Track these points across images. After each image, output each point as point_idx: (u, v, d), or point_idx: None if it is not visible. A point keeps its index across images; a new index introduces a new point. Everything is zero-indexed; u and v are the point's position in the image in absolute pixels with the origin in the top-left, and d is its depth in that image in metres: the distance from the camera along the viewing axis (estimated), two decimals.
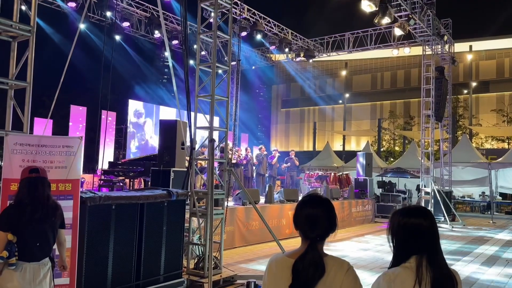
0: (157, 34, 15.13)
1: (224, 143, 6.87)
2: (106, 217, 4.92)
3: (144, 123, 18.43)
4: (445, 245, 10.65)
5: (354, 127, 41.38)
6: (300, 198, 10.93)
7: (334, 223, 1.85)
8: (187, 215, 6.26)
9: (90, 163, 14.25)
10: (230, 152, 9.80)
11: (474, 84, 37.19)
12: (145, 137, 18.45)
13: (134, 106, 18.36)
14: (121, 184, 9.69)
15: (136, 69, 31.61)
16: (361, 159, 15.52)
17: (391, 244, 1.88)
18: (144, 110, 18.49)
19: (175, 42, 16.06)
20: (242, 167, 12.27)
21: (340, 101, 42.58)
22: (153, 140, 18.32)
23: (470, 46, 37.13)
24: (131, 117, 17.84)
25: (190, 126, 6.33)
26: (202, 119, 6.88)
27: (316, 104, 44.04)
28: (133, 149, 17.68)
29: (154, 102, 23.96)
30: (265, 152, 13.94)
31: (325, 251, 1.84)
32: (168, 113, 19.07)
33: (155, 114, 18.87)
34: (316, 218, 1.82)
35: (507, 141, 32.63)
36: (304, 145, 45.65)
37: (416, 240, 1.82)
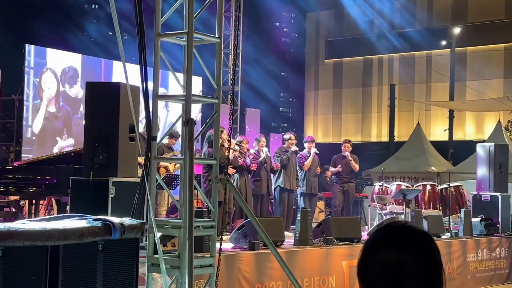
0: None
1: (214, 128, 4.96)
2: None
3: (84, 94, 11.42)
4: None
5: (472, 95, 22.52)
6: (366, 232, 8.37)
7: (438, 280, 1.27)
8: (142, 269, 4.57)
9: None
10: (226, 145, 7.44)
11: None
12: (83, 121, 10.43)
13: (56, 58, 11.06)
14: (13, 208, 7.79)
15: None
16: (485, 158, 10.50)
17: None
18: (80, 69, 11.36)
19: None
20: (250, 174, 9.03)
21: (444, 42, 26.11)
22: None
23: None
24: (61, 84, 10.98)
25: (146, 95, 4.50)
26: (170, 82, 5.67)
27: (393, 49, 26.62)
28: (60, 145, 11.06)
29: (97, 54, 14.60)
30: (295, 148, 10.17)
31: None
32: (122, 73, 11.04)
33: (104, 74, 11.69)
34: (402, 269, 1.25)
35: None
36: (371, 131, 26.73)
37: None
